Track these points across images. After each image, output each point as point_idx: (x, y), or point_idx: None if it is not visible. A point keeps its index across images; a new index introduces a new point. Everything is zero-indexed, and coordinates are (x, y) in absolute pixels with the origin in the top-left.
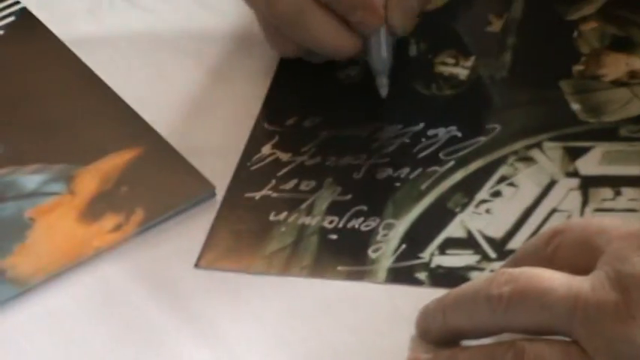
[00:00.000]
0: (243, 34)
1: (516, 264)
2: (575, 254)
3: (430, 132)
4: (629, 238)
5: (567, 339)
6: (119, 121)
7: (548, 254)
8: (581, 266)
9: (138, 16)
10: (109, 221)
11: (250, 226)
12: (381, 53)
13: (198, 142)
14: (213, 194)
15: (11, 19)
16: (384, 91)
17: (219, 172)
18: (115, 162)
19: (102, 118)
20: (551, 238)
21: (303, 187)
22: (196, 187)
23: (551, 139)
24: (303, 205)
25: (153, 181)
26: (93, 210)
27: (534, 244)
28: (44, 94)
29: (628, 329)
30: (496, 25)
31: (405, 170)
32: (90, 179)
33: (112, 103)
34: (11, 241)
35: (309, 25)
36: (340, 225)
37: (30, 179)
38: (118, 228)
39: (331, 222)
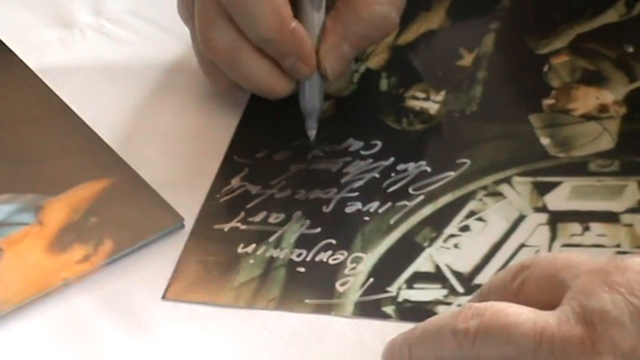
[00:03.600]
0: None
1: (483, 298)
2: (542, 289)
3: (400, 167)
4: (595, 273)
5: None
6: (89, 152)
7: (515, 288)
8: (547, 301)
9: (109, 46)
10: (78, 252)
11: (218, 257)
12: (312, 98)
13: (167, 173)
14: (182, 226)
15: None
16: (312, 134)
17: (189, 203)
18: (84, 193)
19: (72, 149)
20: (517, 272)
21: (272, 219)
22: (165, 219)
23: (520, 174)
24: (272, 238)
25: (122, 212)
26: (61, 241)
27: (501, 278)
28: (14, 123)
29: None
30: (467, 59)
31: (375, 204)
32: (59, 210)
33: (83, 133)
34: None
35: (242, 64)
36: (308, 258)
37: None
38: (86, 259)
39: (299, 255)
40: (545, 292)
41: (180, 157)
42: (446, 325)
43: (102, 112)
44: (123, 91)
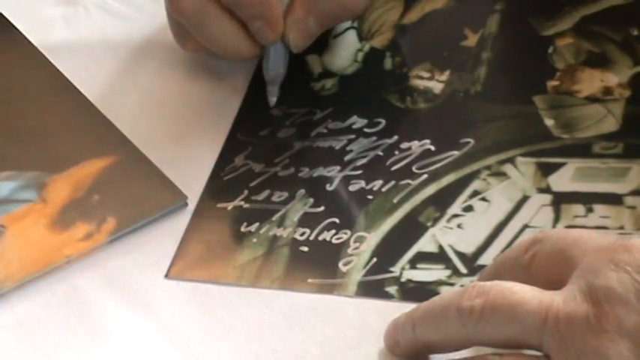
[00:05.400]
0: None
1: (496, 270)
2: (551, 264)
3: (404, 145)
4: (602, 251)
5: (538, 353)
6: (93, 130)
7: (526, 262)
8: (556, 275)
9: (113, 24)
10: (81, 230)
11: (222, 236)
12: (275, 65)
13: (171, 151)
14: (185, 204)
15: None
16: (272, 100)
17: (192, 182)
18: (87, 170)
19: (75, 126)
20: (530, 245)
21: (275, 198)
22: (169, 197)
23: (524, 155)
24: (275, 217)
25: (125, 190)
26: (64, 218)
27: (514, 250)
28: (18, 101)
29: (599, 342)
30: (472, 40)
31: (378, 183)
32: (62, 187)
33: (86, 111)
34: None
35: (209, 25)
36: (312, 237)
37: (1, 186)
38: (89, 237)
39: (303, 234)
40: (554, 266)
41: (184, 135)
42: (450, 304)
43: (105, 90)
44: (127, 68)
